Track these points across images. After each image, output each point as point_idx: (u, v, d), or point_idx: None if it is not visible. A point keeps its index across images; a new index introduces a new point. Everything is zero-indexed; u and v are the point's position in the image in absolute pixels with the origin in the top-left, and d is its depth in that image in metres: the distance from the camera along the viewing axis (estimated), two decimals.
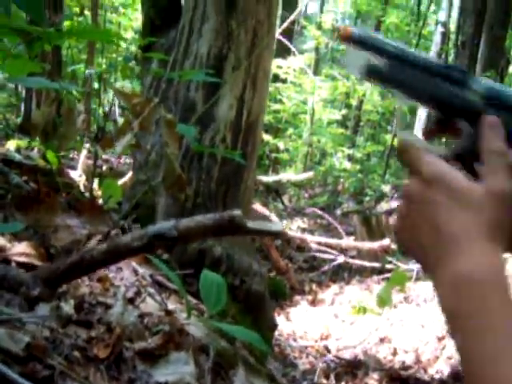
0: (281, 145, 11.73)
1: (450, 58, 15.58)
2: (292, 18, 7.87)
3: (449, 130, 0.82)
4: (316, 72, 14.56)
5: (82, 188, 3.62)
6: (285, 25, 7.78)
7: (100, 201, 2.73)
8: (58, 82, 2.20)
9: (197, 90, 2.75)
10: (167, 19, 3.03)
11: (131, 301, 1.67)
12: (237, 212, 0.95)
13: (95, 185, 3.89)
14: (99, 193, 3.75)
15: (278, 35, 5.66)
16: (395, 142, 15.41)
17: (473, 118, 0.77)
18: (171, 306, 1.76)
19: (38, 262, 1.64)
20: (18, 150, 4.45)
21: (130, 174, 4.13)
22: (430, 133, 0.84)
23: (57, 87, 2.32)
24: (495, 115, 0.76)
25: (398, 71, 0.82)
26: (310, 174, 8.22)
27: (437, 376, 3.93)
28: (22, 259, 1.61)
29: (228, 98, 2.76)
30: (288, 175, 8.06)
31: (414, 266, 6.42)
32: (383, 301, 4.63)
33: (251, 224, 0.93)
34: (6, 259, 1.59)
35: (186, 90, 2.76)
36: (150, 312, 1.65)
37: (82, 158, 4.56)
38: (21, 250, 1.63)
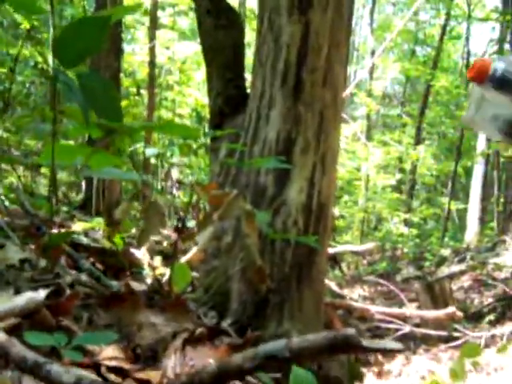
0: (336, 211, 11.70)
1: None
2: (347, 92, 7.95)
3: None
4: (368, 138, 14.60)
5: (146, 267, 3.64)
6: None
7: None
8: (137, 174, 2.24)
9: (267, 175, 2.76)
10: (235, 106, 3.08)
11: None
12: (351, 331, 0.92)
13: (158, 264, 3.90)
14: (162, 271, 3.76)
15: None
16: (452, 205, 15.27)
17: None
18: None
19: (127, 366, 1.62)
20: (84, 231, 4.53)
21: (192, 251, 4.14)
22: None
23: (137, 178, 2.36)
24: None
25: None
26: (372, 244, 8.13)
27: None
28: (112, 363, 1.60)
29: (298, 180, 2.76)
30: (350, 247, 8.00)
31: (483, 333, 6.24)
32: (457, 375, 4.47)
33: (366, 343, 0.90)
34: (96, 364, 1.58)
35: (256, 174, 2.77)
36: None
37: None
38: (110, 354, 1.62)
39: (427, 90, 16.72)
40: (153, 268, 3.68)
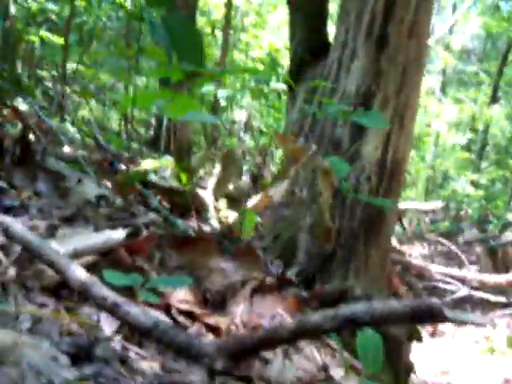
0: None
1: None
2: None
3: None
4: (442, 94, 14.23)
5: (212, 210, 3.67)
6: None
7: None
8: (217, 117, 2.23)
9: (343, 127, 2.71)
10: (316, 55, 3.02)
11: (285, 353, 1.65)
12: (434, 301, 0.90)
13: (223, 207, 3.93)
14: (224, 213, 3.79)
15: None
16: None
17: None
18: (324, 359, 1.73)
19: (197, 310, 1.65)
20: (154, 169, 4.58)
21: (258, 196, 4.15)
22: None
23: (215, 121, 2.36)
24: None
25: None
26: (439, 203, 7.98)
27: None
28: (183, 306, 1.63)
29: (375, 136, 2.71)
30: (416, 204, 7.87)
31: None
32: None
33: (450, 314, 0.88)
34: (167, 306, 1.61)
35: (333, 126, 2.73)
36: (305, 367, 1.63)
37: (214, 176, 4.62)
38: (181, 297, 1.65)
39: (508, 47, 16.10)
40: (217, 210, 3.72)
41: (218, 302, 1.80)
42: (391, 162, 2.76)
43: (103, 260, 1.50)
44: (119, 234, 1.54)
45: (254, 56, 10.37)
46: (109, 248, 1.51)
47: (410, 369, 2.99)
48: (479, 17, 15.36)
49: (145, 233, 1.76)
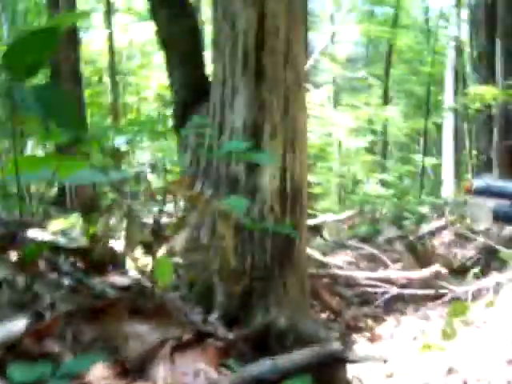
0: (312, 179, 11.70)
1: (467, 69, 15.47)
2: (312, 60, 7.89)
3: None
4: (336, 103, 14.62)
5: (127, 262, 3.61)
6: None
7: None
8: (107, 174, 2.19)
9: (238, 164, 2.73)
10: (198, 96, 3.04)
11: None
12: (336, 346, 0.91)
13: (139, 256, 3.87)
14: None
15: None
16: (426, 162, 15.35)
17: None
18: None
19: (117, 383, 1.61)
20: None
21: (171, 241, 4.12)
22: None
23: (105, 180, 2.32)
24: None
25: None
26: (354, 212, 8.13)
27: None
28: (102, 383, 1.58)
29: (270, 166, 2.74)
30: (331, 216, 7.98)
31: (469, 288, 6.28)
32: (448, 335, 4.52)
33: (353, 356, 0.90)
34: None
35: (227, 164, 2.74)
36: None
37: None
38: (98, 374, 1.60)
39: (390, 49, 16.70)
40: (134, 260, 3.65)
41: (139, 369, 1.76)
42: (291, 189, 2.79)
43: (8, 354, 1.44)
44: (21, 322, 1.48)
45: (145, 96, 10.35)
46: (12, 341, 1.45)
47: None
48: (358, 24, 15.88)
49: (51, 313, 1.71)
